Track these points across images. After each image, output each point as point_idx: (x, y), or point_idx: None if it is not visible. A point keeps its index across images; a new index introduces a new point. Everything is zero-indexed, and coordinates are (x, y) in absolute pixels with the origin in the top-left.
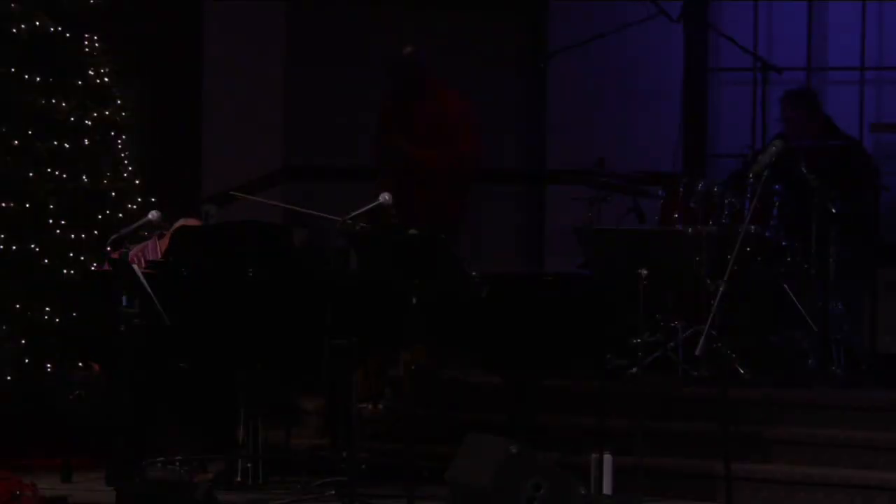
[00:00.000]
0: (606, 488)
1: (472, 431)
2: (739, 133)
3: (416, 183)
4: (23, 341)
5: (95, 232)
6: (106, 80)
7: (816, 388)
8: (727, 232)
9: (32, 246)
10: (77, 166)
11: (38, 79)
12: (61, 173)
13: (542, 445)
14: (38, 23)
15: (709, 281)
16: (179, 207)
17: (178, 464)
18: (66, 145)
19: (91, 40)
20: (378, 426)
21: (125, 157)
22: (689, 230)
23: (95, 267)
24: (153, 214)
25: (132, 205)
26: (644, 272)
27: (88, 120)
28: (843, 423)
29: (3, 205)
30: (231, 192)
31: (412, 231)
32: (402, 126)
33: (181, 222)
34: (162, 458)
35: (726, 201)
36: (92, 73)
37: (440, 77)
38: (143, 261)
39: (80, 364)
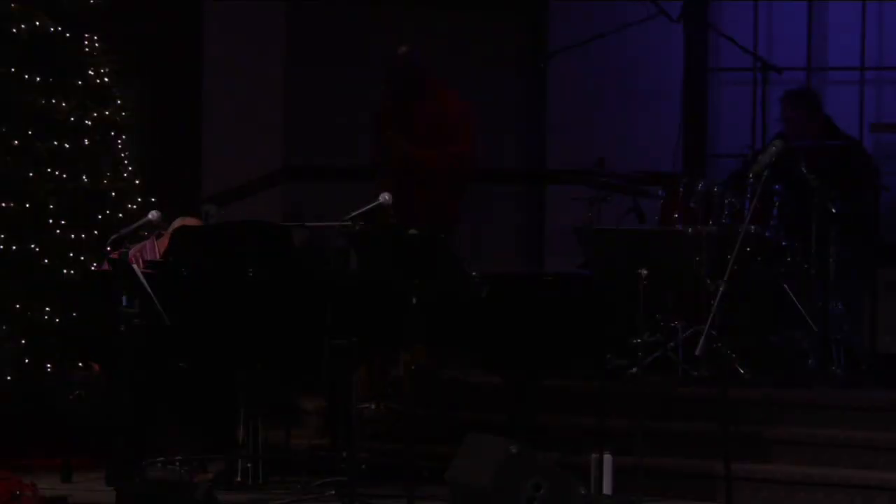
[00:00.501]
0: (606, 488)
1: (472, 431)
2: (739, 133)
3: (416, 183)
4: (23, 341)
5: (95, 232)
6: (106, 80)
7: (816, 388)
8: (727, 232)
9: (32, 246)
10: (77, 166)
11: (38, 79)
12: (61, 173)
13: (542, 445)
14: (38, 23)
15: (709, 281)
16: (179, 207)
17: (178, 464)
18: (66, 145)
19: (91, 40)
20: (378, 426)
21: (125, 157)
22: (689, 230)
23: (95, 267)
24: (153, 214)
25: (132, 205)
26: (644, 272)
27: (88, 120)
28: (843, 423)
29: (3, 205)
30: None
31: (412, 231)
32: (402, 126)
33: (179, 221)
34: (162, 458)
35: (726, 201)
36: (92, 73)
37: (439, 77)
38: (141, 261)
39: (80, 364)
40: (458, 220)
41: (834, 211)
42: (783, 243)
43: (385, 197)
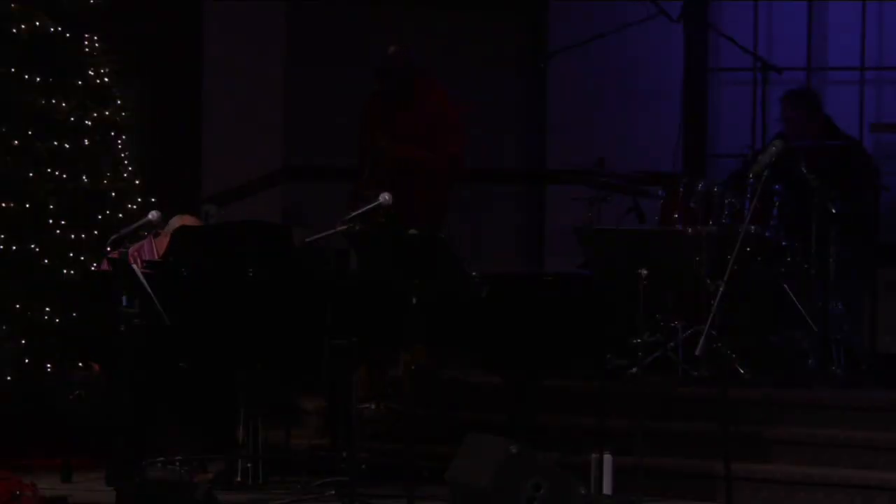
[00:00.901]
0: (606, 488)
1: (472, 431)
2: (739, 133)
3: (408, 183)
4: (23, 341)
5: (95, 232)
6: (106, 80)
7: (816, 388)
8: (727, 232)
9: (32, 246)
10: (77, 166)
11: (38, 79)
12: (61, 173)
13: (542, 445)
14: (38, 23)
15: (709, 281)
16: (179, 207)
17: (178, 464)
18: (66, 145)
19: (91, 40)
20: (378, 426)
21: (125, 157)
22: (689, 230)
23: (95, 267)
24: (153, 214)
25: (132, 205)
26: (644, 272)
27: (88, 120)
28: (843, 423)
29: (3, 205)
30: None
31: (412, 231)
32: (400, 127)
33: (178, 220)
34: (162, 458)
35: (726, 201)
36: (92, 73)
37: (438, 76)
38: (139, 260)
39: (80, 364)
40: (445, 217)
41: (834, 211)
42: (783, 243)
43: (385, 197)
